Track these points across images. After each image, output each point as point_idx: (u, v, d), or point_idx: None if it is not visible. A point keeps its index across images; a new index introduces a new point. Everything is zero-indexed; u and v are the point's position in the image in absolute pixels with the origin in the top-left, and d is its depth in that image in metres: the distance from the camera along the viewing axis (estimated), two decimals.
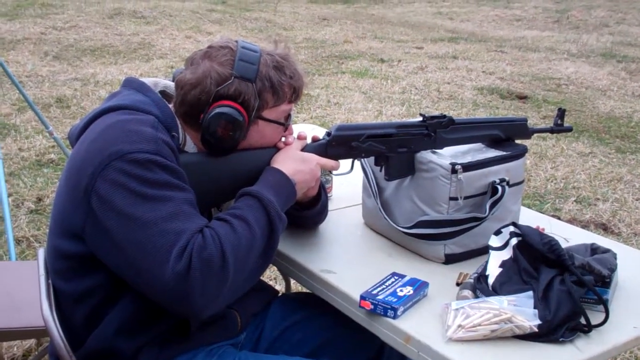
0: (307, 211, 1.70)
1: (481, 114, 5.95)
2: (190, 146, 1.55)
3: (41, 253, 1.61)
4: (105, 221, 1.32)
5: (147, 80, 1.56)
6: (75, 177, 1.38)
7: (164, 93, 1.58)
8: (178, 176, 1.38)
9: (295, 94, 1.58)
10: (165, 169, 1.35)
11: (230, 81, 1.47)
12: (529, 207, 2.10)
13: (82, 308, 1.45)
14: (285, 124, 1.60)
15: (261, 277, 1.58)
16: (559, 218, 3.29)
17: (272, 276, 3.16)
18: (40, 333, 2.13)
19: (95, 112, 1.48)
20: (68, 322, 1.48)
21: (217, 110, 1.47)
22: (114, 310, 1.43)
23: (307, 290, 1.69)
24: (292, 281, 2.50)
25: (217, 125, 1.47)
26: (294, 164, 1.57)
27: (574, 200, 4.20)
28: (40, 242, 3.40)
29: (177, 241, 1.29)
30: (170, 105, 1.53)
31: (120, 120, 1.41)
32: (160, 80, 1.61)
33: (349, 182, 1.92)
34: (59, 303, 1.50)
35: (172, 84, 1.58)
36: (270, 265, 1.55)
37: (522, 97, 6.71)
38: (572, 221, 3.76)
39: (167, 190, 1.34)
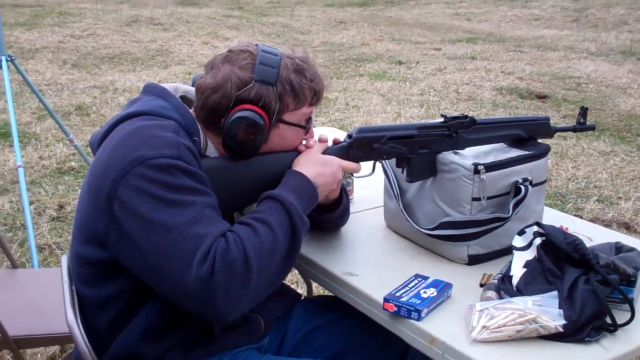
0: (329, 214, 1.70)
1: (501, 114, 5.92)
2: (212, 151, 1.55)
3: (64, 260, 1.62)
4: (128, 227, 1.33)
5: (167, 86, 1.57)
6: (97, 183, 1.39)
7: (184, 98, 1.59)
8: (200, 180, 1.39)
9: (315, 96, 1.58)
10: (187, 174, 1.36)
11: (250, 85, 1.48)
12: (550, 207, 2.08)
13: (106, 314, 1.46)
14: (306, 127, 1.60)
15: (283, 281, 1.58)
16: (581, 217, 3.26)
17: (293, 279, 3.16)
18: (64, 339, 2.14)
19: (116, 119, 1.49)
20: (92, 328, 1.49)
21: (238, 114, 1.47)
22: (138, 316, 1.44)
23: (330, 294, 1.69)
24: (314, 284, 2.50)
25: (238, 129, 1.47)
26: (316, 166, 1.57)
27: (596, 200, 4.16)
28: (62, 250, 3.43)
29: (200, 245, 1.29)
30: (191, 110, 1.54)
31: (141, 126, 1.41)
32: (180, 85, 1.62)
33: (370, 184, 1.91)
34: (82, 309, 1.51)
35: (192, 89, 1.58)
36: (294, 269, 1.55)
37: (542, 97, 6.66)
38: (594, 220, 3.72)
39: (190, 194, 1.34)
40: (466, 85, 7.04)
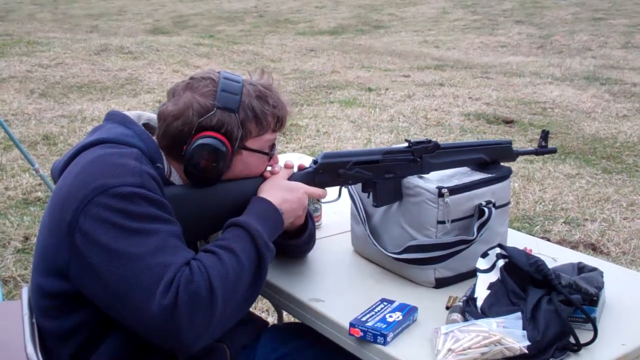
0: (295, 240, 1.70)
1: (469, 139, 5.98)
2: (176, 177, 1.55)
3: (25, 292, 1.58)
4: (90, 257, 1.31)
5: (130, 113, 1.56)
6: (58, 213, 1.37)
7: (147, 126, 1.58)
8: (164, 209, 1.37)
9: (279, 123, 1.59)
10: (150, 202, 1.34)
11: (212, 112, 1.48)
12: (518, 229, 2.11)
13: (68, 347, 1.43)
14: (269, 153, 1.60)
15: (252, 309, 1.56)
16: (548, 240, 3.29)
17: (264, 308, 3.14)
18: None
19: (78, 147, 1.47)
20: None
21: (200, 141, 1.47)
22: (100, 348, 1.41)
23: (298, 321, 1.68)
24: (285, 313, 2.48)
25: (200, 156, 1.47)
26: (281, 193, 1.57)
27: (563, 222, 4.21)
28: (27, 282, 3.37)
29: (163, 275, 1.28)
30: (154, 138, 1.53)
31: (103, 154, 1.40)
32: (143, 113, 1.62)
33: (337, 209, 1.92)
34: (44, 342, 1.47)
35: (155, 117, 1.58)
36: (262, 297, 1.54)
37: (509, 122, 6.76)
38: (561, 242, 3.77)
39: (153, 223, 1.33)
40: (435, 111, 7.11)
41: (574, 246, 3.78)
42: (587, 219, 4.26)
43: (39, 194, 4.53)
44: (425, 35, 15.19)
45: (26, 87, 7.84)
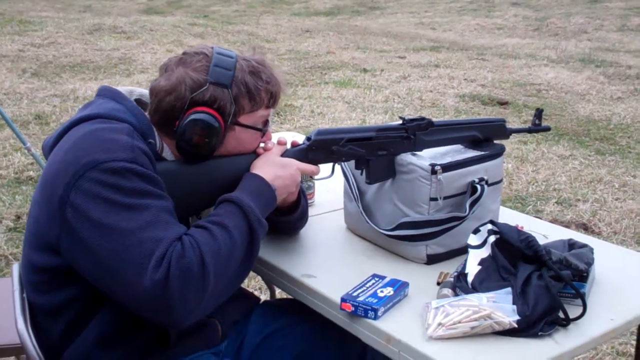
0: (287, 217, 1.70)
1: None
2: (169, 153, 1.54)
3: (15, 268, 1.58)
4: (81, 232, 1.30)
5: (122, 89, 1.55)
6: (49, 188, 1.36)
7: (139, 101, 1.57)
8: (155, 184, 1.37)
9: (272, 99, 1.58)
10: (142, 177, 1.34)
11: (205, 87, 1.47)
12: (511, 209, 2.13)
13: (59, 322, 1.43)
14: (262, 129, 1.60)
15: (244, 286, 1.56)
16: (540, 219, 3.30)
17: (256, 286, 3.15)
18: (19, 350, 2.10)
19: (69, 122, 1.46)
20: (46, 337, 1.45)
21: (192, 116, 1.46)
22: (91, 323, 1.41)
23: (290, 297, 1.69)
24: (277, 290, 2.49)
25: (192, 132, 1.46)
26: (274, 169, 1.56)
27: (555, 202, 4.23)
28: (19, 260, 3.36)
29: (155, 250, 1.28)
30: (146, 113, 1.52)
31: (94, 129, 1.40)
32: (135, 88, 1.61)
33: (331, 187, 1.92)
34: (35, 317, 1.47)
35: (147, 92, 1.57)
36: (255, 274, 1.54)
37: (503, 103, 6.76)
38: (553, 222, 3.77)
39: (144, 198, 1.33)
40: (430, 93, 7.11)
41: (566, 226, 3.80)
42: (579, 200, 4.28)
43: (31, 172, 4.51)
44: (422, 16, 15.14)
45: (18, 66, 7.79)
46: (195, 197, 1.54)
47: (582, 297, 1.38)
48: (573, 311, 1.37)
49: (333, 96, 6.93)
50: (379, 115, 6.20)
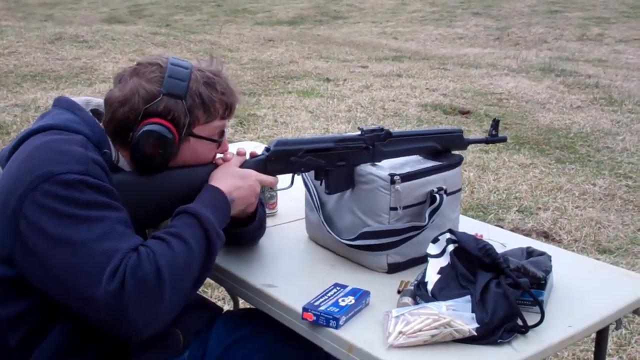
0: (245, 227, 1.69)
1: None
2: (125, 164, 1.53)
3: None
4: (35, 245, 1.29)
5: (78, 100, 1.54)
6: (3, 200, 1.35)
7: (96, 112, 1.56)
8: (110, 196, 1.36)
9: (227, 110, 1.58)
10: (95, 189, 1.33)
11: (159, 99, 1.47)
12: (473, 218, 2.16)
13: (17, 333, 1.41)
14: (218, 140, 1.60)
15: (207, 296, 1.56)
16: (501, 227, 3.35)
17: (220, 296, 3.13)
18: None
19: (25, 133, 1.45)
20: (2, 349, 1.43)
21: (146, 128, 1.46)
22: (49, 335, 1.39)
23: (252, 307, 1.68)
24: (241, 301, 2.48)
25: (146, 143, 1.46)
26: (233, 180, 1.56)
27: (516, 210, 4.28)
28: None
29: (109, 261, 1.27)
30: (101, 124, 1.51)
31: (48, 141, 1.39)
32: (92, 98, 1.60)
33: (293, 197, 1.92)
34: None
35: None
36: (218, 285, 1.53)
37: (465, 112, 6.83)
38: (514, 230, 3.83)
39: (99, 210, 1.32)
40: (392, 102, 7.16)
41: (527, 234, 3.85)
42: (540, 208, 4.34)
43: None
44: (384, 26, 15.26)
45: None
46: (152, 208, 1.53)
47: (540, 304, 1.40)
48: (531, 318, 1.39)
49: (296, 105, 6.94)
50: (342, 124, 6.23)
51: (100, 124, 1.51)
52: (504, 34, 13.61)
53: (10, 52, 8.88)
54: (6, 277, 1.38)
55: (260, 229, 1.77)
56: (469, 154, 3.30)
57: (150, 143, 1.46)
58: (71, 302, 1.31)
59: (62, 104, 1.53)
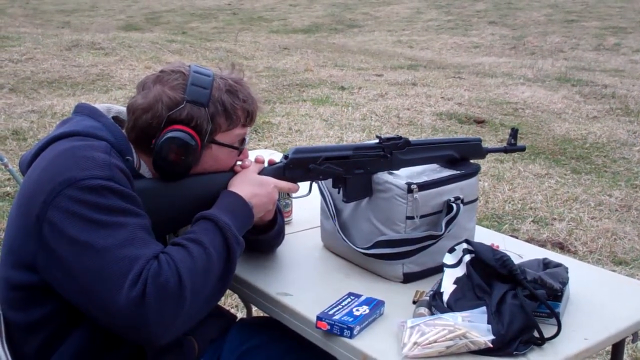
0: (264, 234, 1.70)
1: None
2: (146, 170, 1.54)
3: None
4: (58, 250, 1.30)
5: (99, 106, 1.56)
6: (26, 205, 1.36)
7: (116, 119, 1.57)
8: (132, 202, 1.37)
9: (249, 117, 1.59)
10: (118, 195, 1.34)
11: (182, 106, 1.48)
12: (487, 228, 2.14)
13: (35, 339, 1.42)
14: (239, 147, 1.60)
15: (221, 304, 1.56)
16: (516, 238, 3.33)
17: (233, 303, 3.13)
18: None
19: (46, 140, 1.46)
20: (21, 355, 1.44)
21: (169, 134, 1.47)
22: (67, 341, 1.40)
23: (267, 315, 1.68)
24: (254, 308, 2.49)
25: (168, 149, 1.47)
26: (251, 187, 1.57)
27: (532, 221, 4.26)
28: None
29: (131, 267, 1.28)
30: (123, 131, 1.52)
31: (71, 147, 1.40)
32: (113, 105, 1.61)
33: (308, 205, 1.92)
34: (10, 334, 1.46)
35: (124, 110, 1.57)
36: (231, 292, 1.54)
37: (480, 122, 6.81)
38: (529, 241, 3.81)
39: (121, 216, 1.33)
40: (407, 111, 7.15)
41: (542, 245, 3.82)
42: (555, 218, 4.32)
43: (8, 188, 4.47)
44: (399, 35, 15.26)
45: None
46: (173, 214, 1.54)
47: (556, 316, 1.40)
48: (548, 330, 1.38)
49: (311, 114, 6.95)
50: (356, 133, 6.23)
51: (123, 131, 1.52)
52: (519, 43, 13.57)
53: (28, 59, 8.97)
54: (28, 283, 1.39)
55: (279, 236, 1.77)
56: (484, 163, 3.29)
57: (173, 150, 1.47)
58: (92, 308, 1.32)
59: (83, 110, 1.54)
